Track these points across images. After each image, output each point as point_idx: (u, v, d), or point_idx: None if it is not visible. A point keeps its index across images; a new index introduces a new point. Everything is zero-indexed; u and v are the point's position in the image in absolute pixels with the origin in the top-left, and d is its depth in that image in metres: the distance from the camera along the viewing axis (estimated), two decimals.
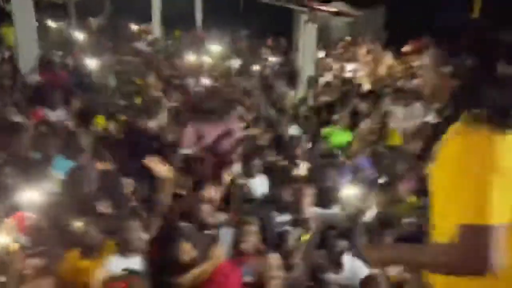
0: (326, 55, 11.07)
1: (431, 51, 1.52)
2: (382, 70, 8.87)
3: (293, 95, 7.48)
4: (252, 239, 3.34)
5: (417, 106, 6.11)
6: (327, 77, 8.49)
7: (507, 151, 1.32)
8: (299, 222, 3.81)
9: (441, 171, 1.43)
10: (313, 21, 6.93)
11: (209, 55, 10.19)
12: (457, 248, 1.28)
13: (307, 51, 7.52)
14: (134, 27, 14.21)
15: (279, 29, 14.20)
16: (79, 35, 10.90)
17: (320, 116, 6.41)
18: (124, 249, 3.05)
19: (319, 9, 6.97)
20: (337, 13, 7.04)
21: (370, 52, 10.14)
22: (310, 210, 3.92)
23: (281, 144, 5.42)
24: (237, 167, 4.47)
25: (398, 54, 12.20)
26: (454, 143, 1.39)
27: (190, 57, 9.02)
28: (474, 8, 10.12)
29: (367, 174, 4.52)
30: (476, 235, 1.26)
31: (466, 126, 1.38)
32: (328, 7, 7.02)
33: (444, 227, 1.40)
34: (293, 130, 5.92)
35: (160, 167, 3.37)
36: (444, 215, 1.41)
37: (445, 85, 1.47)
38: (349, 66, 9.59)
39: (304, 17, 7.36)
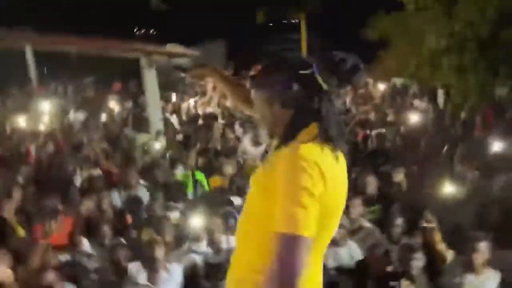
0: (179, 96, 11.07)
1: (255, 93, 1.59)
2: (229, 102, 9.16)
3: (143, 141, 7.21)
4: None
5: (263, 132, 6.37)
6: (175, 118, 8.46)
7: (326, 169, 1.40)
8: None
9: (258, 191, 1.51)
10: (150, 65, 6.81)
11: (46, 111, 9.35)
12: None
13: (151, 95, 7.36)
14: None
15: (128, 73, 13.85)
16: None
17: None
18: None
19: (154, 53, 6.88)
20: (172, 55, 7.01)
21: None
22: None
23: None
24: None
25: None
26: (285, 158, 1.43)
27: (24, 121, 8.13)
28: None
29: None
30: (288, 243, 1.31)
31: (291, 148, 1.44)
32: (161, 49, 6.95)
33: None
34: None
35: None
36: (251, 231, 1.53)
37: (280, 117, 1.53)
38: (191, 101, 9.74)
39: (142, 62, 7.21)
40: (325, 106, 1.47)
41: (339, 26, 17.69)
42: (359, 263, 3.69)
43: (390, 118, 7.83)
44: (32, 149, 7.21)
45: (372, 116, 8.23)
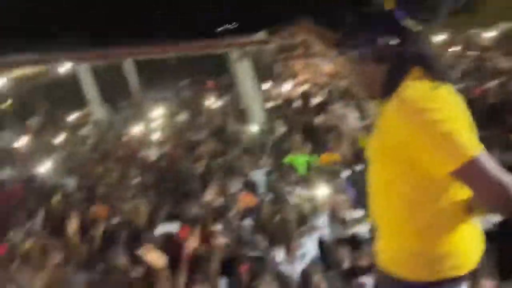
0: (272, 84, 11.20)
1: (346, 58, 1.55)
2: (322, 79, 9.06)
3: (250, 130, 7.43)
4: None
5: (369, 105, 6.18)
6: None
7: (445, 96, 1.36)
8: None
9: (391, 138, 1.42)
10: (243, 57, 6.96)
11: (155, 117, 10.09)
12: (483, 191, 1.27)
13: (248, 85, 7.52)
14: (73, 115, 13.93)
15: (218, 69, 14.41)
16: (21, 142, 10.57)
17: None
18: None
19: (246, 44, 7.02)
20: (264, 42, 7.09)
21: (306, 65, 10.35)
22: None
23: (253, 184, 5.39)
24: None
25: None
26: (399, 109, 1.37)
27: (137, 128, 8.86)
28: None
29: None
30: (481, 168, 1.26)
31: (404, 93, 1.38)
32: (254, 39, 7.07)
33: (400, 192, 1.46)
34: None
35: (154, 256, 3.16)
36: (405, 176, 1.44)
37: (377, 74, 1.49)
38: (287, 86, 9.74)
39: (233, 55, 7.39)
40: (421, 46, 1.43)
41: None
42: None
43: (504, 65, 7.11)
44: (148, 154, 7.85)
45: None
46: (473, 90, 6.31)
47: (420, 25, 1.43)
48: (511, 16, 9.80)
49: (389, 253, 1.63)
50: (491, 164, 1.26)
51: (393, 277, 1.59)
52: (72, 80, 12.68)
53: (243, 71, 7.50)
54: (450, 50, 9.62)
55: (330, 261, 3.67)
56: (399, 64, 1.45)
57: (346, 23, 1.58)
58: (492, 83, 6.39)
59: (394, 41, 1.44)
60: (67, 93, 13.82)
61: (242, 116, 8.79)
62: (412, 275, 1.54)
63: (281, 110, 8.22)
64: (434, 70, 1.41)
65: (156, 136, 8.49)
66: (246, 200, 5.01)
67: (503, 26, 10.23)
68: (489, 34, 9.38)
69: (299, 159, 5.86)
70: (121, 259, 3.81)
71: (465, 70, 7.51)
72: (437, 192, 1.45)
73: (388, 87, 1.44)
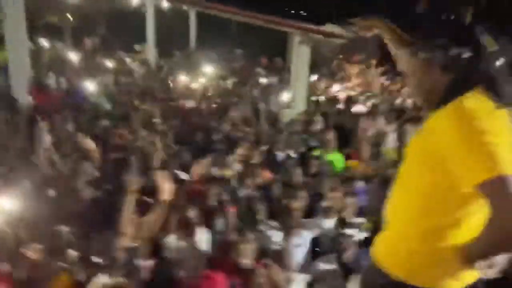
0: (319, 77, 11.19)
1: (412, 59, 1.54)
2: (375, 87, 8.98)
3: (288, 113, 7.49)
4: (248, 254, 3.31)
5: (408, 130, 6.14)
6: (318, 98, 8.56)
7: (498, 117, 1.37)
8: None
9: (433, 144, 1.44)
10: (306, 43, 6.97)
11: (203, 75, 10.27)
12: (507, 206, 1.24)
13: (300, 72, 7.54)
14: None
15: (274, 49, 14.46)
16: (74, 56, 10.91)
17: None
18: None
19: (312, 31, 7.02)
20: (329, 35, 7.07)
21: (362, 71, 10.27)
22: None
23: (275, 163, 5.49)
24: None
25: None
26: (452, 112, 1.40)
27: (184, 79, 9.04)
28: None
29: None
30: (509, 187, 1.24)
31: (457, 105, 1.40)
32: (321, 28, 7.06)
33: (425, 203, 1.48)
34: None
35: (167, 186, 3.27)
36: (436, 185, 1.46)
37: (439, 82, 1.49)
38: (336, 87, 9.70)
39: (297, 38, 7.41)
40: (491, 67, 1.42)
41: None
42: None
43: None
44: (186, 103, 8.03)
45: None
46: None
47: (497, 45, 1.43)
48: None
49: (388, 247, 1.68)
50: None
51: (383, 272, 1.64)
52: (136, 14, 13.00)
53: (300, 57, 7.51)
54: None
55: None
56: (464, 78, 1.45)
57: (424, 26, 1.58)
58: None
59: (467, 54, 1.44)
60: (128, 25, 14.16)
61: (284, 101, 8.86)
62: (402, 274, 1.58)
63: (322, 106, 8.24)
64: (498, 94, 1.42)
65: (198, 90, 8.64)
66: (263, 175, 5.12)
67: None
68: None
69: (335, 156, 5.89)
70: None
71: None
72: (455, 205, 1.47)
73: (446, 97, 1.46)
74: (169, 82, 9.14)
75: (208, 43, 16.11)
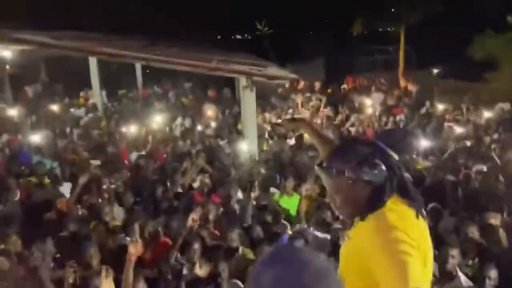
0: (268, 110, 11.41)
1: (342, 176, 1.66)
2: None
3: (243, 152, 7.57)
4: None
5: None
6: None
7: (415, 228, 1.53)
8: None
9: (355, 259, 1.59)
10: (251, 88, 7.09)
11: (154, 115, 10.18)
12: None
13: (249, 114, 7.65)
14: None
15: (222, 79, 14.50)
16: (14, 112, 10.55)
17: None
18: None
19: (256, 75, 7.15)
20: (273, 78, 7.23)
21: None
22: None
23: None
24: None
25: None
26: (373, 225, 1.55)
27: (133, 128, 8.91)
28: None
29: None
30: None
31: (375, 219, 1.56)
32: (263, 72, 7.20)
33: None
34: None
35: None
36: None
37: (362, 194, 1.63)
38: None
39: (242, 81, 7.52)
40: (402, 175, 1.62)
41: (439, 41, 16.87)
42: None
43: (495, 152, 7.33)
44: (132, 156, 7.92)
45: (473, 148, 7.78)
46: (459, 171, 6.52)
47: (398, 156, 1.64)
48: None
49: None
50: None
51: None
52: (80, 61, 12.74)
53: (249, 99, 7.61)
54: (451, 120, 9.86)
55: None
56: (383, 187, 1.61)
57: (334, 151, 1.74)
58: (480, 167, 6.56)
59: (382, 167, 1.61)
60: (71, 70, 13.86)
61: (236, 136, 8.93)
62: None
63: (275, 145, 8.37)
64: (411, 199, 1.60)
65: (147, 138, 8.54)
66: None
67: (500, 106, 10.53)
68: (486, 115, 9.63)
69: (292, 201, 5.98)
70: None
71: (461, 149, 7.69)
72: None
73: (369, 206, 1.60)
74: (117, 134, 8.94)
75: (155, 79, 16.03)
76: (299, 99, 11.25)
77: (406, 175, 1.67)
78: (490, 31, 12.00)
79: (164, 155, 7.93)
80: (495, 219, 4.76)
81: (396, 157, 1.65)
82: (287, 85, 13.50)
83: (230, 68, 7.32)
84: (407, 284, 1.36)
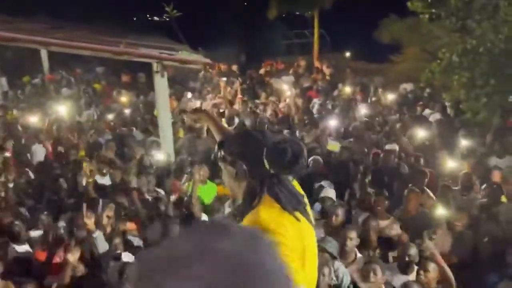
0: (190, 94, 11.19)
1: (226, 164, 1.72)
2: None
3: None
4: None
5: None
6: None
7: (287, 226, 1.55)
8: None
9: None
10: (161, 73, 6.83)
11: (62, 103, 9.50)
12: None
13: (162, 99, 7.39)
14: None
15: (137, 64, 13.87)
16: None
17: None
18: None
19: (167, 59, 6.90)
20: (184, 62, 7.01)
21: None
22: None
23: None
24: None
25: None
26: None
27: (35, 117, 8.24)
28: None
29: None
30: None
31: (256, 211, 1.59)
32: (174, 56, 6.96)
33: None
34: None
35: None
36: None
37: (241, 188, 1.69)
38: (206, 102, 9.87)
39: (154, 67, 7.23)
40: (276, 182, 1.61)
41: (350, 25, 17.58)
42: None
43: (398, 131, 7.81)
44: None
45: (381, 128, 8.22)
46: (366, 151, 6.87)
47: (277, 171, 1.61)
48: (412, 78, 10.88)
49: None
50: None
51: None
52: None
53: (161, 84, 7.34)
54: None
55: None
56: (257, 187, 1.63)
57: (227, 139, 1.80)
58: (390, 147, 6.88)
59: (254, 166, 1.62)
60: None
61: (149, 126, 8.64)
62: None
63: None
64: (282, 203, 1.60)
65: (50, 129, 7.97)
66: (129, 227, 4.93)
67: (404, 86, 11.23)
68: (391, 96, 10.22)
69: (208, 189, 5.89)
70: None
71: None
72: None
73: (247, 202, 1.65)
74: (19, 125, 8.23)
75: (63, 63, 14.96)
76: (222, 82, 11.15)
77: (286, 178, 1.65)
78: (394, 16, 12.67)
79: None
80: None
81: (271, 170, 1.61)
82: (211, 70, 13.36)
83: (139, 52, 6.98)
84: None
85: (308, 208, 1.71)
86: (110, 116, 9.22)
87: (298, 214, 1.62)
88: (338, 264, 3.92)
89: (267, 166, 1.59)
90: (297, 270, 1.48)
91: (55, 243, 4.33)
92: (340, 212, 4.72)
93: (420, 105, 9.66)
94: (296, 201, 1.64)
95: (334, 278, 3.75)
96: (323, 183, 5.74)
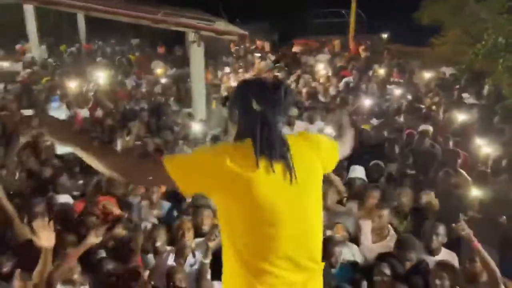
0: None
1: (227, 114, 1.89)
2: None
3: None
4: None
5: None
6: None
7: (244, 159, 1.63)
8: None
9: None
10: (198, 43, 6.85)
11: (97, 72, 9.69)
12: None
13: (197, 69, 7.43)
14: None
15: (172, 37, 13.99)
16: None
17: None
18: None
19: (204, 29, 6.90)
20: (222, 33, 7.00)
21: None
22: None
23: None
24: None
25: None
26: None
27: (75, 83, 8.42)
28: None
29: None
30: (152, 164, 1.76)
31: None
32: (212, 26, 6.95)
33: None
34: None
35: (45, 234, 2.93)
36: None
37: (234, 128, 1.82)
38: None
39: (190, 36, 7.25)
40: (256, 126, 1.68)
41: (389, 5, 17.06)
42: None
43: (434, 112, 7.62)
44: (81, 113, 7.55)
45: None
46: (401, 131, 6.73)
47: (262, 107, 1.69)
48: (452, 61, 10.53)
49: None
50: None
51: None
52: (15, 11, 11.80)
53: (197, 54, 7.37)
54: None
55: None
56: (241, 131, 1.75)
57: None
58: (424, 127, 6.70)
59: (241, 113, 1.75)
60: (8, 22, 12.82)
61: (184, 96, 8.72)
62: None
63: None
64: (256, 149, 1.66)
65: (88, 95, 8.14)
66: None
67: (443, 69, 10.92)
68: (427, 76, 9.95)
69: None
70: None
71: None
72: None
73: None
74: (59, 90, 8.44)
75: (100, 34, 15.19)
76: (255, 58, 11.12)
77: (266, 128, 1.69)
78: None
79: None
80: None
81: (260, 108, 1.69)
82: (241, 45, 13.30)
83: (176, 21, 7.00)
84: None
85: (291, 162, 1.70)
86: (146, 86, 9.34)
87: (263, 161, 1.64)
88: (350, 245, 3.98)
89: (253, 104, 1.69)
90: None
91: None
92: (376, 193, 4.54)
93: (457, 89, 9.37)
94: (271, 151, 1.66)
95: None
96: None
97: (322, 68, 11.15)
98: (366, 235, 4.22)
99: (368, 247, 4.13)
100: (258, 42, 14.39)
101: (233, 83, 9.77)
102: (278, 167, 1.65)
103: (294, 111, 6.89)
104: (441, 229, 3.89)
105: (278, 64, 12.01)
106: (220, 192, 1.66)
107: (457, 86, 9.52)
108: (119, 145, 5.98)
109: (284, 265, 1.68)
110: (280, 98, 1.69)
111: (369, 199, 4.50)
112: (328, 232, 4.01)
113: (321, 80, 10.17)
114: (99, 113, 7.64)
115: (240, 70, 11.04)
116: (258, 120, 1.68)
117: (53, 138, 1.84)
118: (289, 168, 1.67)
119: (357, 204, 4.64)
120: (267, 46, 14.43)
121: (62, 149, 5.37)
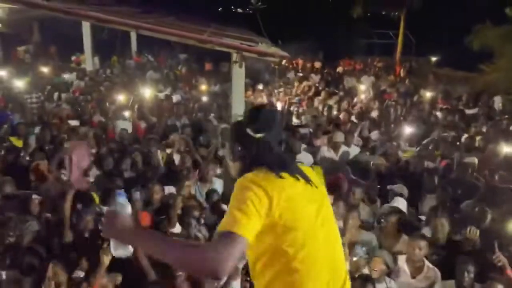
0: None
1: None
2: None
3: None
4: None
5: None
6: None
7: (270, 184, 1.70)
8: None
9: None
10: (240, 64, 7.01)
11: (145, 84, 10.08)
12: (203, 248, 1.60)
13: (237, 91, 7.58)
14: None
15: (219, 53, 14.28)
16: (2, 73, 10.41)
17: None
18: None
19: (246, 50, 7.06)
20: (263, 54, 7.13)
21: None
22: None
23: None
24: None
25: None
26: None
27: (122, 96, 8.81)
28: None
29: None
30: (220, 238, 1.55)
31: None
32: (254, 48, 7.10)
33: None
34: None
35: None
36: None
37: (236, 168, 1.92)
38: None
39: (233, 56, 7.42)
40: (260, 151, 1.80)
41: (439, 28, 16.73)
42: None
43: (477, 143, 7.35)
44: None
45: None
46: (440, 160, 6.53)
47: (259, 133, 1.81)
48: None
49: None
50: (232, 247, 1.51)
51: None
52: (74, 26, 12.52)
53: (238, 74, 7.52)
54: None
55: None
56: (246, 164, 1.84)
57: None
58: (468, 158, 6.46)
59: (244, 150, 1.85)
60: (66, 35, 13.61)
61: (224, 112, 8.89)
62: None
63: None
64: (274, 169, 1.77)
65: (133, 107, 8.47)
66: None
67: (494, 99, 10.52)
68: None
69: None
70: None
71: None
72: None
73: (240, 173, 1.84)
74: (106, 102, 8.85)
75: (149, 48, 15.81)
76: (295, 77, 11.21)
77: (270, 151, 1.82)
78: (488, 23, 11.88)
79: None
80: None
81: (257, 135, 1.81)
82: (283, 62, 13.40)
83: (221, 41, 7.18)
84: (240, 203, 1.61)
85: (305, 169, 1.91)
86: (188, 102, 9.62)
87: (284, 173, 1.77)
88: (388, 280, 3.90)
89: (251, 133, 1.80)
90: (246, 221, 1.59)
91: None
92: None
93: (506, 118, 9.01)
94: (283, 164, 1.80)
95: None
96: (395, 187, 5.44)
97: (364, 90, 11.05)
98: (403, 268, 4.11)
99: (407, 283, 3.99)
100: (301, 61, 14.47)
101: (265, 100, 9.90)
102: (285, 174, 1.79)
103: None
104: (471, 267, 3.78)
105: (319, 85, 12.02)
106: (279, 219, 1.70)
107: (506, 116, 9.16)
108: (159, 157, 6.17)
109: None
110: (274, 120, 1.84)
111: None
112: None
113: (362, 103, 10.08)
114: (142, 125, 7.92)
115: (281, 89, 11.14)
116: (261, 145, 1.81)
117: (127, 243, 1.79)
118: (307, 180, 1.84)
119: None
120: (310, 65, 14.48)
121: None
